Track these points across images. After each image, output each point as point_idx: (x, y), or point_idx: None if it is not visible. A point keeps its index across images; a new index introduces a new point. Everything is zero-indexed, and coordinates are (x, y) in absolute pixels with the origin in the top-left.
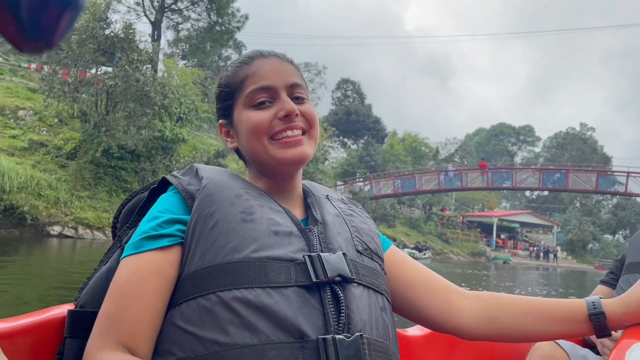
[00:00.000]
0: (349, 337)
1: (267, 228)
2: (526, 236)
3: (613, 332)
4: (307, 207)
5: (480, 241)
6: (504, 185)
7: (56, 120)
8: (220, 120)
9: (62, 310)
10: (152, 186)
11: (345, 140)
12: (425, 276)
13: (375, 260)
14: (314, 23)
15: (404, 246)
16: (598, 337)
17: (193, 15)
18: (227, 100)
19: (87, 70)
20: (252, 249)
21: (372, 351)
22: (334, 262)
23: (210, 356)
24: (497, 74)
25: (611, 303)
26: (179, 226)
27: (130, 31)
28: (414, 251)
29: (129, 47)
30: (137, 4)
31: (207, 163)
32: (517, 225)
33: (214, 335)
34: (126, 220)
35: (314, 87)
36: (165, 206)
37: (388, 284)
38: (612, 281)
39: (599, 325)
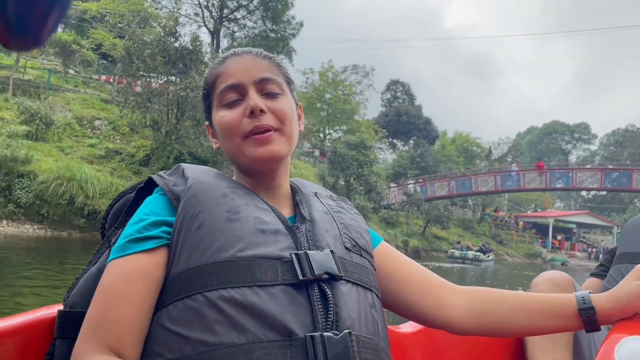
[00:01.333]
0: (337, 335)
1: (253, 227)
2: (584, 237)
3: None
4: (295, 205)
5: (536, 242)
6: (561, 185)
7: (128, 129)
8: (206, 122)
9: (51, 310)
10: (139, 186)
11: (395, 141)
12: (416, 272)
13: (364, 257)
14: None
15: (468, 248)
16: (588, 331)
17: (249, 24)
18: (205, 102)
19: (158, 81)
20: (239, 248)
21: (361, 348)
22: (321, 259)
23: (198, 356)
24: (542, 70)
25: (601, 298)
26: (164, 228)
27: (198, 43)
28: (478, 253)
29: (197, 59)
30: (196, 14)
31: None
32: (574, 226)
33: (201, 336)
34: (115, 221)
35: (362, 89)
36: (151, 208)
37: (379, 280)
38: (602, 273)
39: (589, 320)
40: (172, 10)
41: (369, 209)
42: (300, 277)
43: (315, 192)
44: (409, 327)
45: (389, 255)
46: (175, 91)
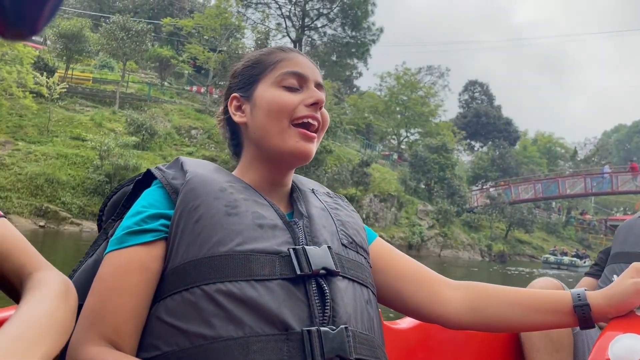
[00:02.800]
0: (334, 330)
1: (252, 221)
2: None
3: None
4: (292, 201)
5: None
6: None
7: (222, 137)
8: (235, 93)
9: None
10: (136, 178)
11: (472, 143)
12: (412, 267)
13: (360, 254)
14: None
15: (564, 254)
16: (582, 328)
17: (329, 31)
18: (252, 75)
19: None
20: (237, 242)
21: (357, 343)
22: (319, 255)
23: (195, 349)
24: (622, 65)
25: (596, 295)
26: (162, 221)
27: None
28: (574, 259)
29: None
30: (278, 24)
31: (352, 172)
32: None
33: (198, 329)
34: (112, 213)
35: (436, 90)
36: (149, 201)
37: (374, 276)
38: (597, 272)
39: (584, 317)
40: (257, 22)
41: (452, 212)
42: (298, 272)
43: (312, 189)
44: (404, 323)
45: (384, 251)
46: None
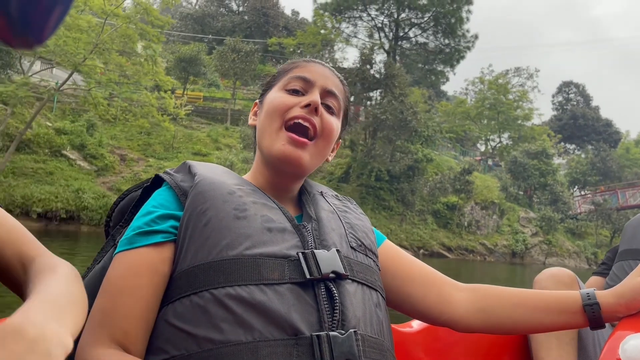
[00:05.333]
0: (343, 334)
1: (261, 225)
2: None
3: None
4: (301, 204)
5: None
6: None
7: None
8: (257, 100)
9: None
10: (145, 184)
11: (567, 146)
12: (420, 269)
13: (369, 257)
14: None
15: None
16: (592, 328)
17: (420, 40)
18: (270, 82)
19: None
20: (246, 246)
21: (366, 347)
22: (328, 258)
23: (203, 354)
24: None
25: (605, 294)
26: (172, 222)
27: (392, 69)
28: None
29: (392, 83)
30: (370, 36)
31: (454, 180)
32: None
33: (207, 333)
34: (119, 219)
35: (525, 92)
36: (159, 201)
37: (383, 279)
38: (605, 271)
39: (594, 316)
40: (350, 35)
41: (557, 219)
42: (307, 276)
43: (321, 192)
44: (413, 325)
45: (393, 254)
46: (371, 113)
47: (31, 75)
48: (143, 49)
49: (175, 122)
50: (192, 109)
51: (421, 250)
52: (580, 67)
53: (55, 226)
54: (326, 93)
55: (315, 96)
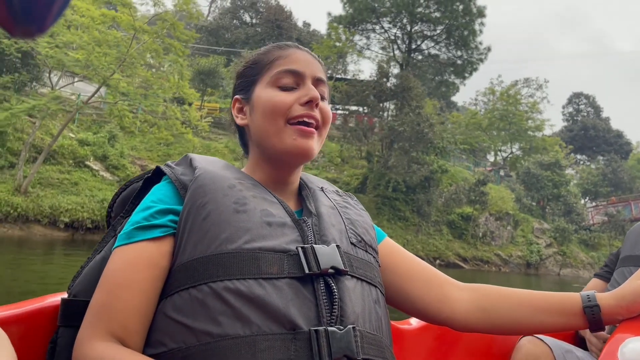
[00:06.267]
0: (341, 329)
1: (260, 219)
2: None
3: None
4: (302, 199)
5: None
6: None
7: (339, 160)
8: (237, 95)
9: (55, 299)
10: (146, 175)
11: (577, 157)
12: (420, 268)
13: (369, 253)
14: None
15: None
16: (592, 330)
17: (433, 52)
18: (251, 76)
19: (368, 117)
20: (245, 240)
21: (364, 343)
22: (327, 254)
23: (201, 347)
24: None
25: (606, 296)
26: (171, 216)
27: (408, 81)
28: None
29: (408, 95)
30: (383, 48)
31: (469, 191)
32: None
33: (205, 326)
34: (120, 210)
35: (535, 102)
36: (158, 196)
37: (383, 276)
38: (607, 274)
39: (594, 318)
40: (364, 47)
41: (571, 230)
42: (306, 271)
43: (322, 187)
44: (412, 323)
45: (393, 251)
46: (387, 125)
47: (60, 89)
48: (169, 63)
49: (194, 133)
50: (212, 120)
51: (437, 261)
52: (588, 79)
53: (82, 235)
54: (317, 82)
55: (313, 91)
